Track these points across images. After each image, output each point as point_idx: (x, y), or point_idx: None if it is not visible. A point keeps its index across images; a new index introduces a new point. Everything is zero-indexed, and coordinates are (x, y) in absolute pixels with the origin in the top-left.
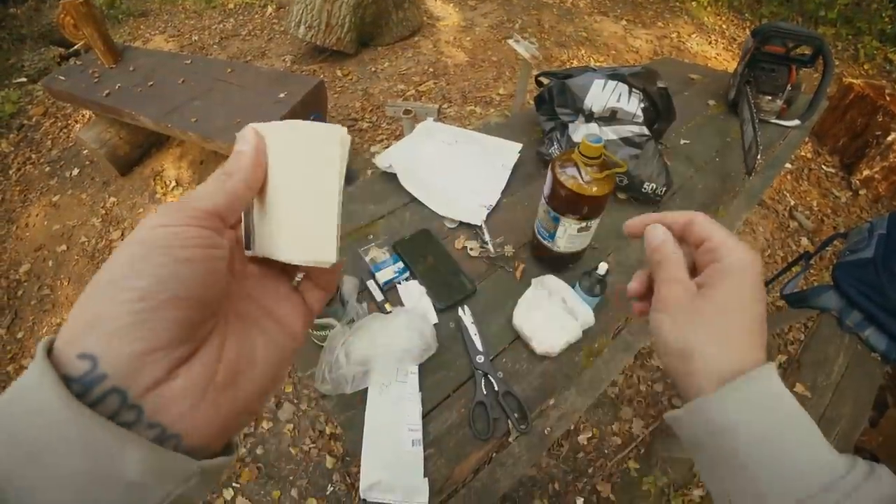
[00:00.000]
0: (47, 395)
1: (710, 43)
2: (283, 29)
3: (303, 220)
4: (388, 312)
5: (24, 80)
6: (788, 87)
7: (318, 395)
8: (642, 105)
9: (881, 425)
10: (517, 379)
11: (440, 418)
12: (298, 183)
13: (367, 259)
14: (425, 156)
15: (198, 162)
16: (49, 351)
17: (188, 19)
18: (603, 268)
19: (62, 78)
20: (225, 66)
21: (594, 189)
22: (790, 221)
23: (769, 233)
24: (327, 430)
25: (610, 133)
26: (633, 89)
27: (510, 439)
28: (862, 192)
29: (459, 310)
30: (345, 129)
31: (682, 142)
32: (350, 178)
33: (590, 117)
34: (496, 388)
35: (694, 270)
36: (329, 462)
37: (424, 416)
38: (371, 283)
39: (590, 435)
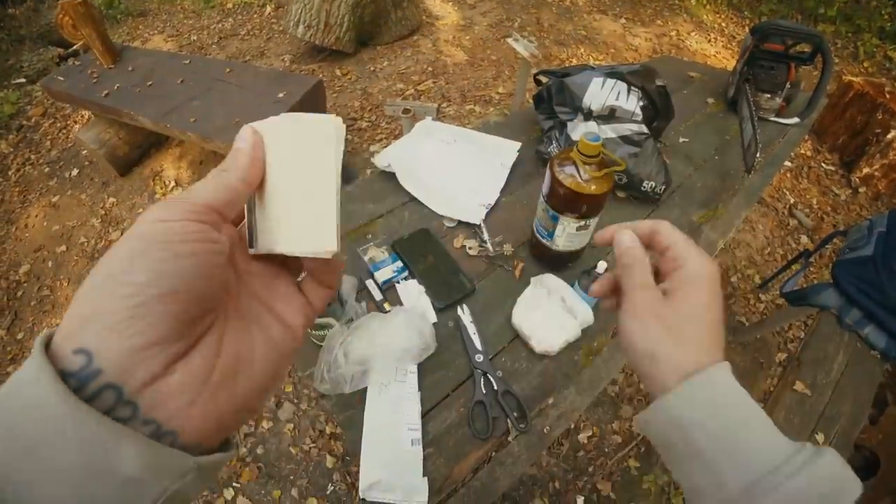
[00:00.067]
0: (44, 389)
1: (709, 41)
2: (282, 28)
3: (302, 212)
4: (386, 312)
5: (22, 80)
6: (788, 85)
7: (318, 395)
8: (641, 103)
9: (881, 423)
10: (516, 378)
11: (439, 417)
12: (296, 175)
13: (366, 258)
14: (424, 155)
15: (197, 162)
16: (47, 346)
17: (187, 19)
18: (602, 266)
19: (61, 78)
20: (224, 65)
21: (593, 187)
22: (790, 219)
23: (769, 231)
24: (327, 430)
25: (609, 131)
26: (632, 87)
27: (509, 438)
28: (862, 189)
29: (458, 309)
30: (339, 119)
31: (682, 140)
32: (349, 177)
33: (588, 116)
34: (495, 388)
35: (657, 275)
36: (329, 461)
37: (424, 415)
38: (370, 283)
39: (590, 433)
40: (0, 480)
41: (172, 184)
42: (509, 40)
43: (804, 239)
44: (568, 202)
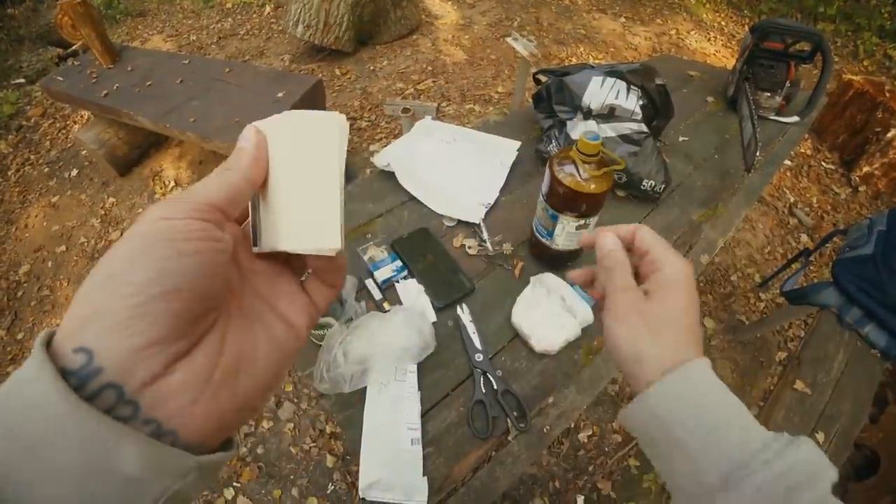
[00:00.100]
0: (45, 388)
1: (708, 40)
2: (282, 28)
3: (305, 209)
4: (386, 311)
5: (22, 80)
6: (787, 84)
7: (318, 394)
8: (641, 102)
9: (881, 422)
10: (516, 377)
11: (439, 417)
12: (299, 173)
13: (366, 258)
14: (424, 154)
15: (197, 162)
16: (48, 345)
17: (186, 19)
18: None
19: (60, 78)
20: (223, 65)
21: (592, 186)
22: (790, 218)
23: (769, 229)
24: (327, 429)
25: (608, 130)
26: (632, 86)
27: (509, 438)
28: (862, 188)
29: (458, 308)
30: (343, 116)
31: (681, 139)
32: (349, 176)
33: (588, 115)
34: (495, 387)
35: (638, 277)
36: (329, 461)
37: (423, 414)
38: (369, 282)
39: (590, 433)
40: (0, 480)
41: (172, 184)
42: (509, 39)
43: (804, 238)
44: (567, 201)
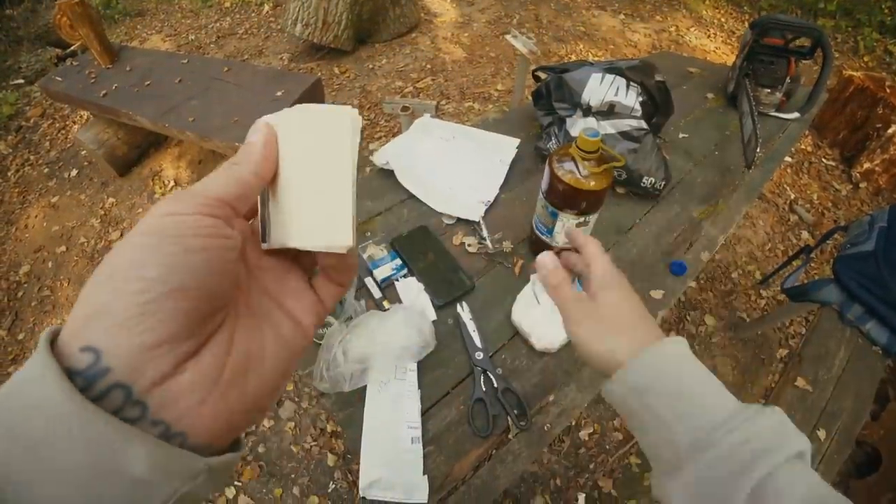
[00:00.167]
0: (49, 389)
1: (708, 36)
2: (280, 27)
3: (316, 205)
4: (386, 310)
5: (21, 81)
6: (788, 80)
7: (318, 393)
8: (640, 99)
9: (882, 419)
10: (516, 375)
11: (439, 415)
12: (311, 168)
13: (365, 256)
14: (423, 152)
15: (196, 161)
16: (52, 343)
17: (185, 18)
18: None
19: (59, 79)
20: (222, 64)
21: (592, 183)
22: (790, 215)
23: (769, 226)
24: (328, 428)
25: (608, 127)
26: (631, 83)
27: (510, 436)
28: (862, 184)
29: (458, 306)
30: (355, 110)
31: (681, 135)
32: None
33: (587, 111)
34: (495, 385)
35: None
36: (330, 460)
37: (424, 413)
38: (369, 281)
39: (591, 431)
40: (1, 482)
41: (172, 183)
42: (508, 37)
43: (805, 234)
44: (567, 198)
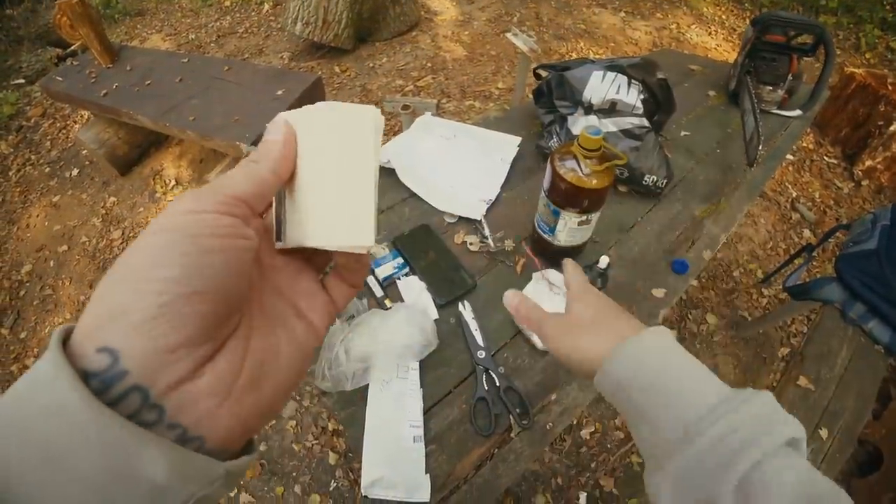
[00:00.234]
0: (64, 392)
1: (709, 34)
2: (280, 26)
3: (336, 204)
4: (387, 308)
5: (21, 81)
6: (790, 77)
7: (320, 392)
8: (642, 97)
9: (884, 417)
10: (519, 374)
11: (441, 414)
12: (331, 167)
13: None
14: (424, 151)
15: (197, 161)
16: (64, 341)
17: (185, 18)
18: (604, 261)
19: (59, 78)
20: (222, 63)
21: (594, 182)
22: (792, 213)
23: (771, 225)
24: (330, 427)
25: (610, 125)
26: (633, 81)
27: (512, 435)
28: (864, 182)
29: (460, 305)
30: (377, 110)
31: (683, 133)
32: None
33: (589, 109)
34: (497, 384)
35: None
36: (332, 458)
37: (426, 412)
38: (371, 279)
39: (592, 429)
40: (16, 487)
41: (172, 182)
42: (508, 35)
43: (807, 233)
44: (569, 197)
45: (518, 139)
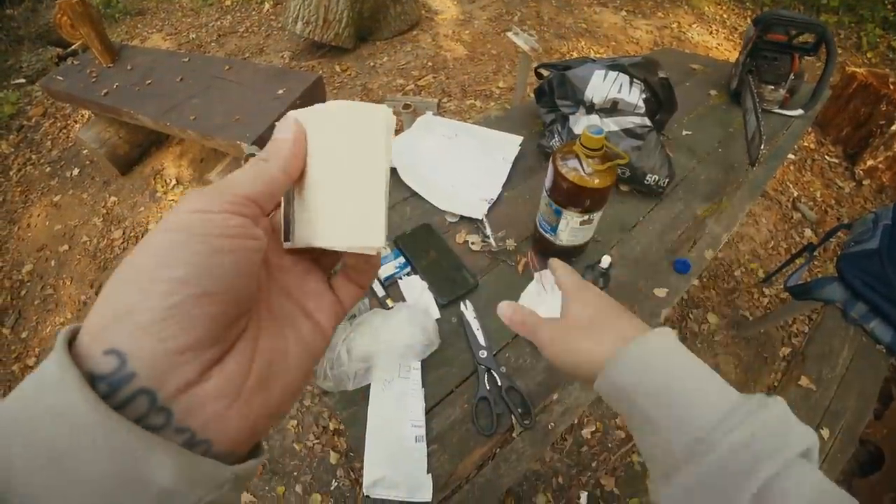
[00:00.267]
0: (71, 395)
1: (710, 33)
2: (281, 25)
3: (347, 204)
4: (389, 308)
5: (22, 80)
6: (791, 76)
7: (321, 391)
8: (644, 96)
9: (886, 417)
10: (520, 374)
11: (443, 414)
12: (341, 166)
13: None
14: (425, 150)
15: (198, 160)
16: (70, 342)
17: (185, 17)
18: (606, 261)
19: (60, 78)
20: (223, 63)
21: (596, 181)
22: (793, 212)
23: (772, 224)
24: (331, 426)
25: (611, 124)
26: (635, 80)
27: (514, 434)
28: (865, 182)
29: (461, 304)
30: (389, 109)
31: (684, 133)
32: None
33: (591, 109)
34: (499, 384)
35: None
36: (333, 458)
37: (427, 411)
38: None
39: (593, 429)
40: (21, 490)
41: (173, 182)
42: (509, 34)
43: (808, 232)
44: (571, 196)
45: (519, 138)
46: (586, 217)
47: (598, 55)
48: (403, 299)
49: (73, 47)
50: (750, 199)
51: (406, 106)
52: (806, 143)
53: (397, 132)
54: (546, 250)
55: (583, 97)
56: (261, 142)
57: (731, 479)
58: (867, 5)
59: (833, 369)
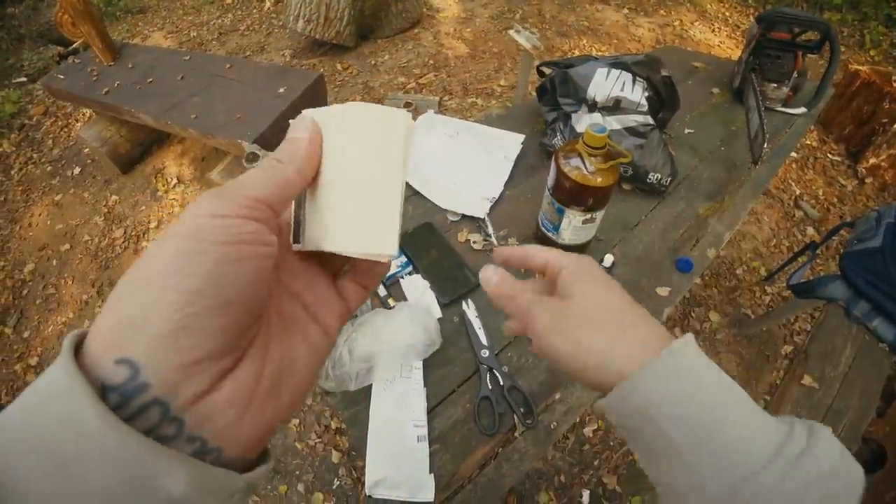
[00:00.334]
0: (79, 406)
1: (713, 31)
2: (282, 23)
3: (361, 210)
4: (391, 307)
5: (23, 79)
6: (794, 74)
7: (323, 391)
8: (646, 94)
9: (888, 416)
10: (523, 373)
11: (445, 413)
12: (357, 170)
13: None
14: (427, 149)
15: (199, 159)
16: (76, 348)
17: (186, 15)
18: (608, 260)
19: (61, 77)
20: (224, 61)
21: (599, 180)
22: (796, 211)
23: (774, 222)
24: (333, 425)
25: (614, 123)
26: (637, 78)
27: (516, 434)
28: (868, 180)
29: (463, 304)
30: (409, 114)
31: (687, 131)
32: None
33: (593, 107)
34: (501, 383)
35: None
36: (335, 457)
37: (429, 411)
38: None
39: (595, 427)
40: (21, 493)
41: (174, 181)
42: (511, 32)
43: (810, 230)
44: (573, 195)
45: (521, 137)
46: (589, 216)
47: (600, 53)
48: (405, 299)
49: (74, 46)
50: (752, 197)
51: (407, 104)
52: (808, 142)
53: None
54: None
55: (585, 95)
56: (262, 140)
57: None
58: (871, 3)
59: (836, 368)
